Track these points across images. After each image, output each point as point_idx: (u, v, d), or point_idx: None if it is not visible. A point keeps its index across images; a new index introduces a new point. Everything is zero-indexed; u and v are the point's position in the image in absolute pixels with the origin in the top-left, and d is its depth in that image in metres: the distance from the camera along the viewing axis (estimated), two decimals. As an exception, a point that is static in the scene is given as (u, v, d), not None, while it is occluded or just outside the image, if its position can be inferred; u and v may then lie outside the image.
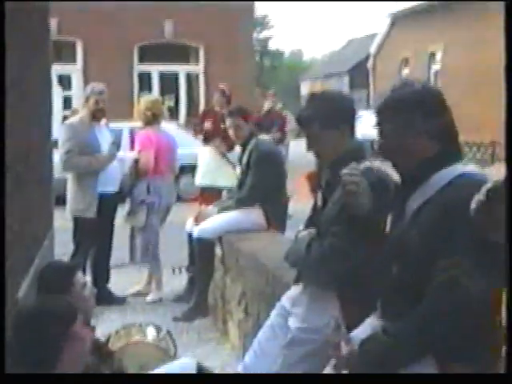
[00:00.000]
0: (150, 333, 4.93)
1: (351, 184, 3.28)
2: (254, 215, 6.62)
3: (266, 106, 14.88)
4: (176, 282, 8.05)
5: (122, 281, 8.16)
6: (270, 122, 13.94)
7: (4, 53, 2.10)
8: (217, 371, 4.73)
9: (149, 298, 7.73)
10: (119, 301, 7.58)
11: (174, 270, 8.37)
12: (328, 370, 3.27)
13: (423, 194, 2.95)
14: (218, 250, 6.82)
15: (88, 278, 6.02)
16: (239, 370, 4.09)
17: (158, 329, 4.98)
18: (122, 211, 7.79)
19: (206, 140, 10.33)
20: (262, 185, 6.59)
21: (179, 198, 10.08)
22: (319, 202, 3.83)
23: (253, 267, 5.62)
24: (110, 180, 7.48)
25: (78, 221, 7.39)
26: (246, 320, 5.80)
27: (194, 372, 3.98)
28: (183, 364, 4.12)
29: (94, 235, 7.39)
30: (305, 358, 3.71)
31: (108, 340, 4.64)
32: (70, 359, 3.14)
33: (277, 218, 6.67)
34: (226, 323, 6.57)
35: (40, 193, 4.93)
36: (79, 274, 3.82)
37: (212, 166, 9.99)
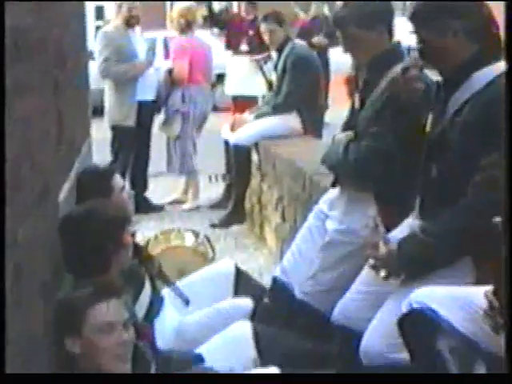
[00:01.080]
0: (189, 237, 5.00)
1: (417, 83, 3.24)
2: (290, 121, 6.57)
3: (312, 10, 14.38)
4: (213, 189, 8.09)
5: (159, 189, 8.23)
6: (317, 27, 13.50)
7: (3, 53, 2.07)
8: (255, 275, 4.78)
9: (186, 205, 7.79)
10: (157, 209, 7.65)
11: (210, 178, 8.38)
12: (366, 270, 3.30)
13: (464, 94, 2.91)
14: (254, 157, 6.82)
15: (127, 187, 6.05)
16: (277, 273, 4.13)
17: (196, 234, 5.05)
18: (158, 120, 7.80)
19: (231, 47, 10.21)
20: (299, 90, 6.50)
21: (215, 108, 9.99)
22: (357, 104, 3.78)
23: (289, 172, 5.62)
24: (148, 88, 7.45)
25: (116, 130, 7.39)
26: (283, 225, 5.84)
27: (232, 273, 4.03)
28: (222, 265, 4.17)
29: (132, 144, 7.42)
30: (342, 260, 3.72)
31: (147, 244, 4.71)
32: (117, 266, 3.16)
33: (313, 123, 6.62)
34: (262, 228, 6.62)
35: (76, 100, 4.91)
36: (117, 177, 3.81)
37: (242, 75, 9.89)
